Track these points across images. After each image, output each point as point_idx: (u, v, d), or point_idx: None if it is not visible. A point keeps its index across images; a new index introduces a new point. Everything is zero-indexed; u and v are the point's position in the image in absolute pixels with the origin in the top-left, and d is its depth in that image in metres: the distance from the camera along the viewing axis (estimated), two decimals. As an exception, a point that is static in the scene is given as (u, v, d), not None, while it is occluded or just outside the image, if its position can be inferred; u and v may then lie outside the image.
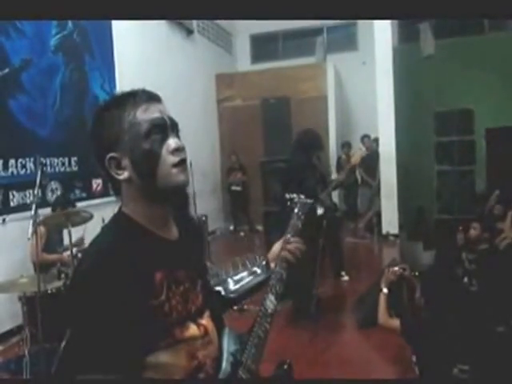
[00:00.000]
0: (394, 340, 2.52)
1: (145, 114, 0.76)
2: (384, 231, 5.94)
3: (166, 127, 0.77)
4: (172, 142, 0.77)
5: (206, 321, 0.83)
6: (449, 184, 5.63)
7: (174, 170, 0.76)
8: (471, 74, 6.27)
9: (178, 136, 0.79)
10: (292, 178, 3.30)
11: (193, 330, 0.79)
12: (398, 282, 2.37)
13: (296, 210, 1.07)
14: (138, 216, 0.78)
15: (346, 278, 4.25)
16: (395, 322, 2.17)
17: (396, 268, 2.37)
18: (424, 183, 5.94)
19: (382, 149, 5.97)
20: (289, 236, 1.03)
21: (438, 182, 5.74)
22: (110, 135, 0.76)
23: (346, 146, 6.50)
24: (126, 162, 0.76)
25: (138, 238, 0.76)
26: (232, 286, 1.03)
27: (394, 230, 5.95)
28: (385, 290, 2.28)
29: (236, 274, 1.05)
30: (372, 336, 2.91)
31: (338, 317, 3.49)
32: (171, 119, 0.79)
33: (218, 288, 1.01)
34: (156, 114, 0.77)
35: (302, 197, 1.12)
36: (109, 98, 0.81)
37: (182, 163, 0.77)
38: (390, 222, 5.92)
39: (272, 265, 1.02)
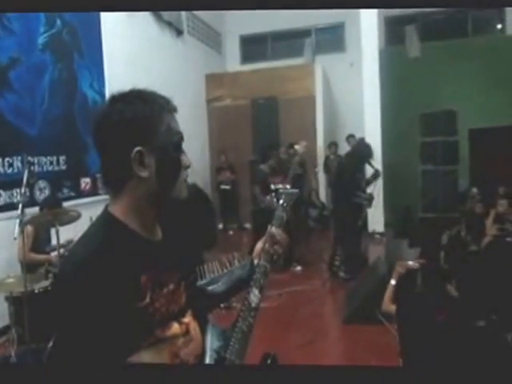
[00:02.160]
0: (381, 336, 2.60)
1: (175, 125, 0.80)
2: (370, 229, 6.05)
3: (182, 143, 0.82)
4: (186, 159, 0.82)
5: (188, 319, 0.84)
6: (433, 183, 5.76)
7: (184, 185, 0.81)
8: (455, 76, 6.43)
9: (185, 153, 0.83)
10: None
11: (175, 328, 0.80)
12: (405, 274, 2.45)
13: (281, 201, 1.06)
14: (126, 216, 0.77)
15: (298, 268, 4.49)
16: (394, 308, 2.31)
17: (411, 262, 2.43)
18: (409, 182, 6.06)
19: (368, 149, 6.06)
20: (273, 229, 1.01)
21: (422, 182, 5.86)
22: (144, 128, 0.75)
23: (332, 145, 6.59)
24: (150, 161, 0.75)
25: (123, 240, 0.76)
26: (218, 284, 1.02)
27: (380, 228, 6.06)
28: (392, 282, 2.39)
29: (221, 274, 1.05)
30: (359, 331, 2.97)
31: (329, 313, 3.57)
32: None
33: (205, 288, 1.01)
34: (179, 129, 0.81)
35: (288, 187, 1.12)
36: (142, 89, 0.78)
37: (187, 180, 0.82)
38: (376, 220, 6.03)
39: (256, 261, 1.01)
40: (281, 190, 1.10)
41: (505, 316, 2.32)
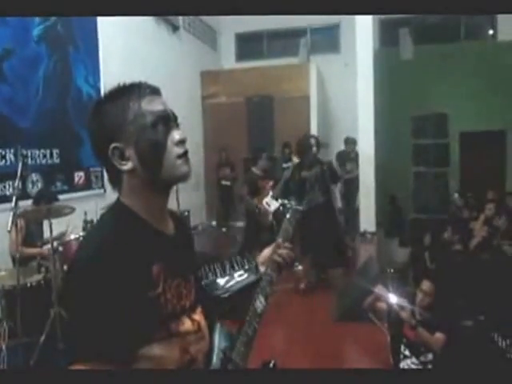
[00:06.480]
0: (371, 333, 2.64)
1: (150, 106, 0.77)
2: (362, 229, 6.12)
3: (169, 119, 0.79)
4: (176, 134, 0.78)
5: (198, 316, 0.85)
6: (424, 185, 5.84)
7: (179, 162, 0.78)
8: (447, 79, 6.52)
9: (178, 128, 0.80)
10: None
11: (188, 324, 0.81)
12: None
13: (288, 216, 1.09)
14: (137, 208, 0.78)
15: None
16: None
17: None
18: (401, 183, 6.15)
19: (361, 149, 6.13)
20: (280, 240, 1.04)
21: (413, 183, 5.95)
22: (114, 125, 0.76)
23: (349, 142, 6.28)
24: (130, 152, 0.76)
25: (137, 230, 0.77)
26: (221, 286, 1.04)
27: (372, 227, 6.14)
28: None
29: (224, 276, 1.06)
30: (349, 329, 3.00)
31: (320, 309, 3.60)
32: (173, 112, 0.81)
33: (208, 289, 1.02)
34: (160, 107, 0.78)
35: (293, 203, 1.10)
36: (111, 88, 0.79)
37: (185, 154, 0.79)
38: (368, 220, 6.10)
39: (261, 268, 1.03)
40: (288, 205, 1.11)
41: (492, 316, 2.38)
